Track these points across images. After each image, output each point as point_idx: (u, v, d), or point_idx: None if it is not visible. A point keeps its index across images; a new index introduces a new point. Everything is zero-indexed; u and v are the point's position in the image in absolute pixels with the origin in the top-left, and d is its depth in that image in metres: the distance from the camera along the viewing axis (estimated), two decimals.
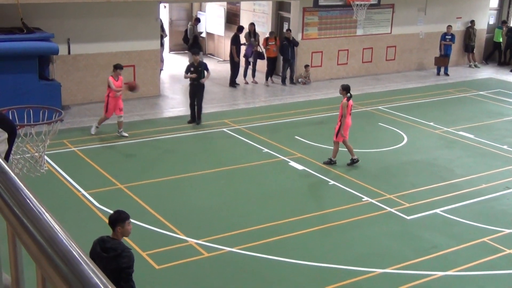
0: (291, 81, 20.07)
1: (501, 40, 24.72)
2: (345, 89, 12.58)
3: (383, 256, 9.27)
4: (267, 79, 19.72)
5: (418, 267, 8.96)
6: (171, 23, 24.04)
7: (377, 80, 21.32)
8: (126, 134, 14.04)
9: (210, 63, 22.34)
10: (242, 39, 19.82)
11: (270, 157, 13.16)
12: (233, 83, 19.47)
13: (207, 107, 16.82)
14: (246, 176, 12.25)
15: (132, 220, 6.45)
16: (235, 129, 15.04)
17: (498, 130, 16.04)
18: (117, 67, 13.87)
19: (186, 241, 9.38)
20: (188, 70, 15.14)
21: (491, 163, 13.50)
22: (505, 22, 24.91)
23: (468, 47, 24.39)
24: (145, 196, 10.86)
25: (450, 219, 10.66)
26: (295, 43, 19.55)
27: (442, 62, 22.65)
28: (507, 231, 10.23)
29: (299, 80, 20.17)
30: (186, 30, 20.96)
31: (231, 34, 19.98)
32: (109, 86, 13.75)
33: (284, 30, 20.26)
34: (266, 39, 19.64)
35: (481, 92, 20.13)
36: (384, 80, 21.46)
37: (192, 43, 19.96)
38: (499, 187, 12.12)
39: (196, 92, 15.20)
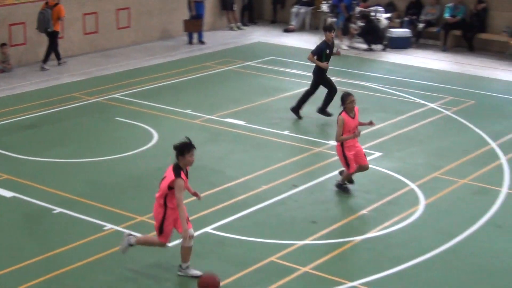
0: None
1: None
2: None
3: None
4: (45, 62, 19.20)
5: None
6: None
7: (108, 58, 21.46)
8: None
9: None
10: None
11: None
12: None
13: None
14: None
15: None
16: None
17: (276, 111, 17.11)
18: None
19: None
20: (323, 53, 16.11)
21: (271, 156, 14.36)
22: None
23: (226, 4, 25.59)
24: None
25: (226, 237, 11.12)
26: None
27: (193, 26, 23.45)
28: (300, 243, 10.99)
29: None
30: None
31: None
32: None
33: None
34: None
35: (249, 63, 21.29)
36: (118, 56, 21.68)
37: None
38: (284, 187, 12.94)
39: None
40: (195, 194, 10.25)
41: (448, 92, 18.80)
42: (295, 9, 26.11)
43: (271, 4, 27.09)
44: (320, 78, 16.41)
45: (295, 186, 13.02)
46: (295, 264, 10.36)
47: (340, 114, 12.35)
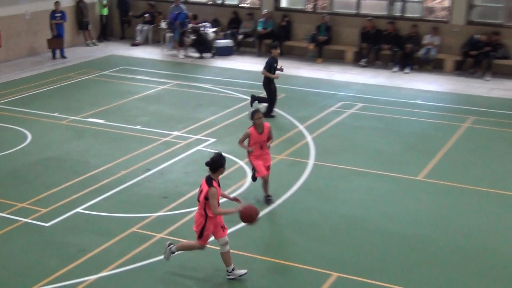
0: None
1: (106, 13, 25.93)
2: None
3: (26, 275, 9.15)
4: None
5: (68, 277, 9.07)
6: None
7: None
8: None
9: None
10: None
11: None
12: None
13: None
14: None
15: None
16: None
17: (129, 110, 16.95)
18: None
19: None
20: (272, 66, 15.92)
21: (127, 146, 14.24)
22: None
23: (82, 24, 25.05)
24: None
25: (94, 215, 11.00)
26: None
27: (56, 44, 22.85)
28: (154, 215, 11.01)
29: None
30: None
31: None
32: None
33: None
34: None
35: (104, 72, 20.94)
36: None
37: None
38: (139, 171, 12.89)
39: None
40: (235, 199, 9.25)
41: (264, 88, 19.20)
42: (139, 27, 25.83)
43: (120, 23, 26.71)
44: (268, 87, 16.36)
45: (148, 170, 12.98)
46: (152, 232, 10.38)
47: (249, 127, 11.39)
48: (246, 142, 11.43)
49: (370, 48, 22.42)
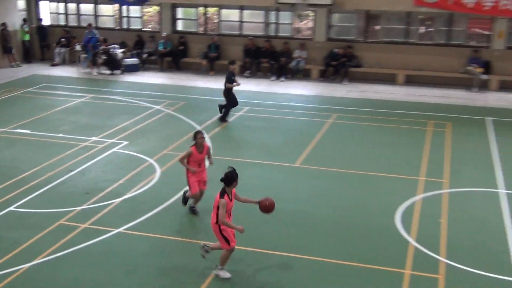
0: None
1: (28, 38, 24.75)
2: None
3: None
4: None
5: (4, 267, 8.53)
6: None
7: None
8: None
9: None
10: None
11: None
12: None
13: None
14: None
15: None
16: None
17: (52, 121, 16.18)
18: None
19: None
20: (231, 79, 15.91)
21: (52, 151, 13.57)
22: (26, 21, 24.89)
23: (6, 49, 23.77)
24: None
25: (26, 212, 10.40)
26: None
27: None
28: (78, 208, 10.54)
29: None
30: None
31: None
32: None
33: None
34: None
35: (28, 89, 19.90)
36: None
37: None
38: (63, 172, 12.30)
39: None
40: (258, 202, 8.41)
41: (167, 98, 18.89)
42: (57, 49, 24.74)
43: (40, 47, 25.50)
44: (227, 95, 16.10)
45: (71, 171, 12.43)
46: (77, 223, 9.94)
47: (191, 146, 10.12)
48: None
49: (252, 62, 22.54)
